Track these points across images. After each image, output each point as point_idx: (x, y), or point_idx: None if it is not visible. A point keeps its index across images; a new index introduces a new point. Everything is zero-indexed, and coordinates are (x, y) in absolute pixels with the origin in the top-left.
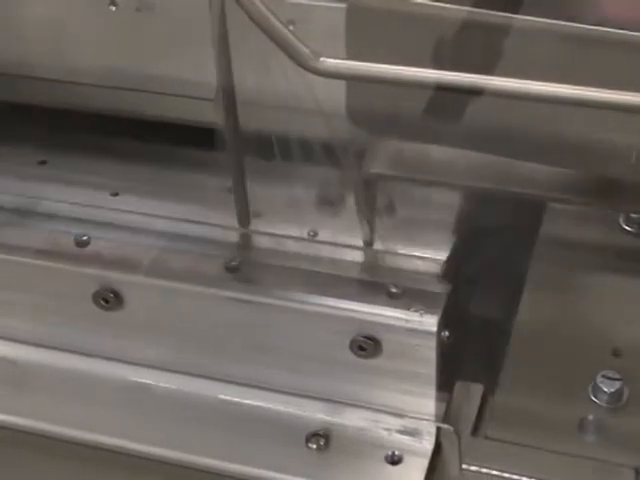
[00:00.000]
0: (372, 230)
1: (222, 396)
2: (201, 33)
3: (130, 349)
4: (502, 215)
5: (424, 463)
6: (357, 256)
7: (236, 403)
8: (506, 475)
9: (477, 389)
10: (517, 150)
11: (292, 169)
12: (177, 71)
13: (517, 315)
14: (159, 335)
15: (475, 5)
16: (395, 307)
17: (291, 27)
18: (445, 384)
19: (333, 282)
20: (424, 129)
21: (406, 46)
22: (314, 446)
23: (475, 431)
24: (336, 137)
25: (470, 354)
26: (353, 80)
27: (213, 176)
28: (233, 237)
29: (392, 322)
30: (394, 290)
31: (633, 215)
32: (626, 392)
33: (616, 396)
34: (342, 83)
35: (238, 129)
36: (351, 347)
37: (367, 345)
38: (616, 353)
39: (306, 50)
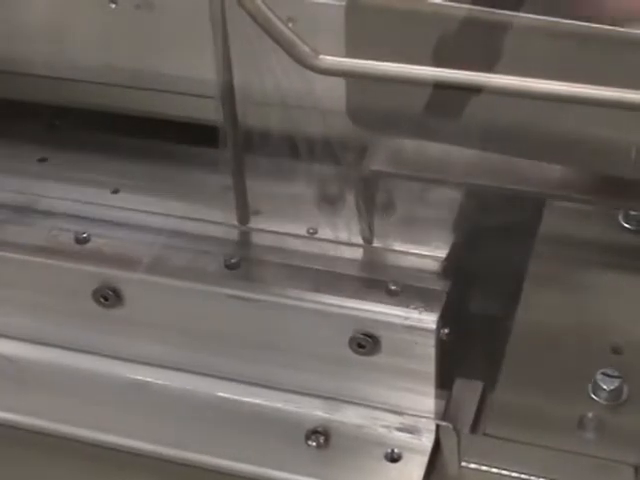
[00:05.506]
0: (371, 227)
1: (221, 394)
2: (201, 30)
3: (129, 346)
4: (501, 212)
5: (423, 460)
6: (356, 253)
7: (235, 401)
8: (505, 472)
9: (476, 386)
10: (517, 147)
11: (292, 166)
12: (177, 68)
13: (517, 312)
14: (158, 333)
15: (480, 3)
16: (394, 304)
17: (290, 25)
18: (444, 381)
19: (332, 279)
20: (424, 127)
21: (406, 43)
22: (313, 443)
23: (474, 428)
24: (336, 134)
25: (469, 351)
26: (353, 78)
27: (213, 173)
28: (233, 234)
29: (391, 319)
30: (393, 287)
31: (632, 212)
32: (626, 390)
33: (616, 394)
34: (342, 80)
35: (238, 126)
36: (350, 344)
37: (366, 342)
38: (616, 350)
39: (306, 48)
